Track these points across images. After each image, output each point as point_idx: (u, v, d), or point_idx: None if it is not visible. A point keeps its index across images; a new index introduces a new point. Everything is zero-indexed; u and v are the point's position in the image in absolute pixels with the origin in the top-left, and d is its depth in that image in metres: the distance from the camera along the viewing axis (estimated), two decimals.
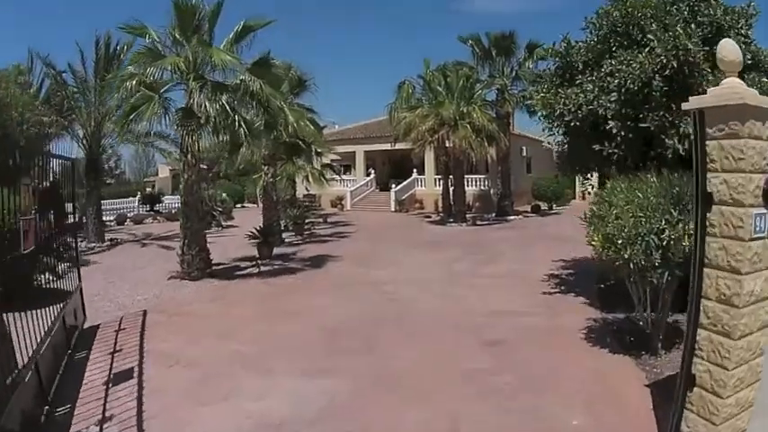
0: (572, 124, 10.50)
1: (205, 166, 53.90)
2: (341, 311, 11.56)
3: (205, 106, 14.35)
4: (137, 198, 38.64)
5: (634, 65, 9.81)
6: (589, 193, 16.43)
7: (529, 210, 35.31)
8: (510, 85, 31.43)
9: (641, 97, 10.02)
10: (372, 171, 41.43)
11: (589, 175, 12.76)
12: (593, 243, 7.80)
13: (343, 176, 42.36)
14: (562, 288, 13.36)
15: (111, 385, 7.73)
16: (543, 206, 36.44)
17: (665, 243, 6.98)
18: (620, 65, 10.00)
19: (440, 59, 30.78)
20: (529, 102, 11.15)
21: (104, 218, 35.20)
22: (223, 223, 30.33)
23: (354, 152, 41.31)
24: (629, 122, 10.03)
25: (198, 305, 12.83)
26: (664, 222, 7.05)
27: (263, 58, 16.21)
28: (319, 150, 27.74)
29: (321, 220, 31.29)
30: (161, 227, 31.55)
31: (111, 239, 25.53)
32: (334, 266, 17.28)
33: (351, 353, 9.00)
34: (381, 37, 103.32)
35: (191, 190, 16.04)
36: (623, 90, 9.98)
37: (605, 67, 10.46)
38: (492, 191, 36.49)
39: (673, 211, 7.07)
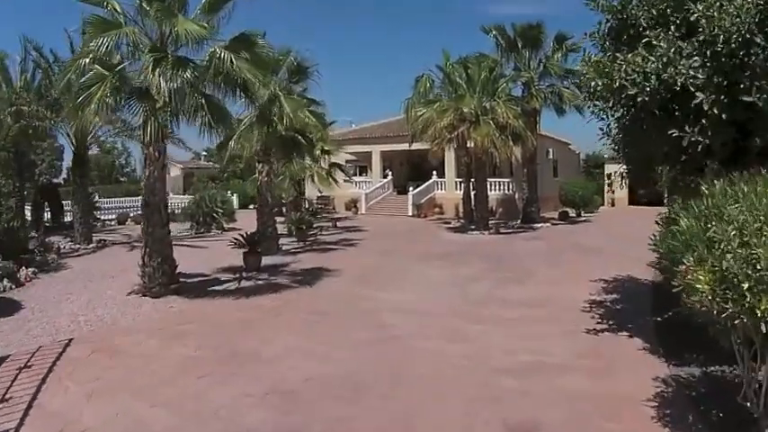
0: (638, 100, 7.18)
1: (211, 164, 51.61)
2: (311, 365, 8.24)
3: (159, 85, 11.32)
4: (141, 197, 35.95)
5: (725, 18, 6.56)
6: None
7: (556, 216, 31.80)
8: (537, 81, 28.03)
9: (736, 61, 6.75)
10: (389, 173, 38.14)
11: (657, 171, 9.24)
12: (694, 286, 4.44)
13: (358, 178, 39.24)
14: (610, 323, 10.05)
15: None
16: (571, 213, 32.92)
17: None
18: (707, 11, 6.72)
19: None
20: (578, 69, 7.46)
21: (105, 217, 33.12)
22: (225, 225, 27.47)
23: (371, 152, 38.07)
24: (722, 96, 6.73)
25: (136, 336, 9.85)
26: None
27: (245, 33, 13.14)
28: (326, 148, 24.68)
29: (330, 224, 28.21)
30: None
31: (99, 241, 23.11)
32: (329, 284, 14.12)
33: None
34: (408, 33, 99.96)
35: (152, 188, 13.11)
36: (711, 51, 6.72)
37: (682, 21, 7.22)
38: (517, 195, 33.09)
39: None
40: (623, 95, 7.35)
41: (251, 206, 41.07)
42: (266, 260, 17.56)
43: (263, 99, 18.38)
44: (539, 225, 27.88)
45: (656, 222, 8.14)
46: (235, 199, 37.87)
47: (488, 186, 27.25)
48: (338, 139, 39.26)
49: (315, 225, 27.65)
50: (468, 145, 24.86)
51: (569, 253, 19.18)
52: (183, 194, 41.08)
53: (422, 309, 11.33)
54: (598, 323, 10.08)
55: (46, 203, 28.31)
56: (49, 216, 28.43)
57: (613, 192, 43.95)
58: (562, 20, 54.92)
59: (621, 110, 8.00)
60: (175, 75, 11.53)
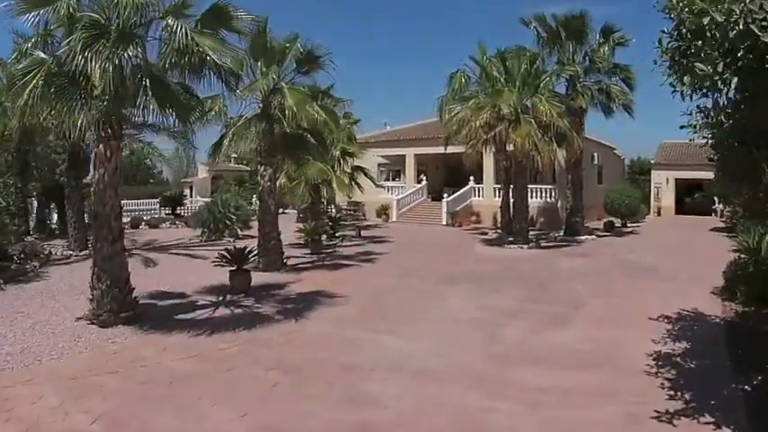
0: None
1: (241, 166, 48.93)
2: None
3: (90, 68, 8.52)
4: (158, 200, 33.80)
5: None
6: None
7: (601, 227, 27.93)
8: (582, 77, 24.44)
9: None
10: (424, 178, 34.86)
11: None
12: None
13: (390, 183, 36.13)
14: (686, 397, 6.77)
15: None
16: (616, 222, 29.08)
17: None
18: None
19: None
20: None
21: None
22: (239, 233, 24.84)
23: (404, 155, 34.89)
24: None
25: (40, 387, 7.27)
26: None
27: (218, 3, 10.28)
28: (349, 149, 21.70)
29: (354, 233, 25.21)
30: (174, 233, 26.76)
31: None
32: (321, 318, 10.96)
33: None
34: (445, 39, 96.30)
35: (102, 197, 10.34)
36: None
37: None
38: (559, 204, 29.50)
39: None
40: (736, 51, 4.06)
41: (281, 210, 38.66)
42: (264, 278, 14.77)
43: (265, 91, 15.61)
44: (583, 237, 24.25)
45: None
46: (243, 203, 35.28)
47: (529, 194, 23.80)
48: (370, 141, 36.40)
49: (338, 234, 24.83)
50: (506, 147, 21.59)
51: (620, 275, 15.76)
52: (210, 197, 38.80)
53: (429, 368, 8.06)
54: (670, 397, 6.84)
55: (53, 205, 26.31)
56: (56, 218, 26.39)
57: (660, 200, 39.89)
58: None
59: (735, 76, 4.66)
60: (115, 54, 8.71)
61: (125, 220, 30.81)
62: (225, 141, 15.52)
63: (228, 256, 13.26)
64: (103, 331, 9.87)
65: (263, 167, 16.39)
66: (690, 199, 40.91)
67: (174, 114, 9.55)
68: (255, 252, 13.85)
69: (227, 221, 24.41)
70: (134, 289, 10.92)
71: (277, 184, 20.53)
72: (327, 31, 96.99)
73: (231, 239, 23.62)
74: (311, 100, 15.55)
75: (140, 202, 34.12)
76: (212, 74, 10.33)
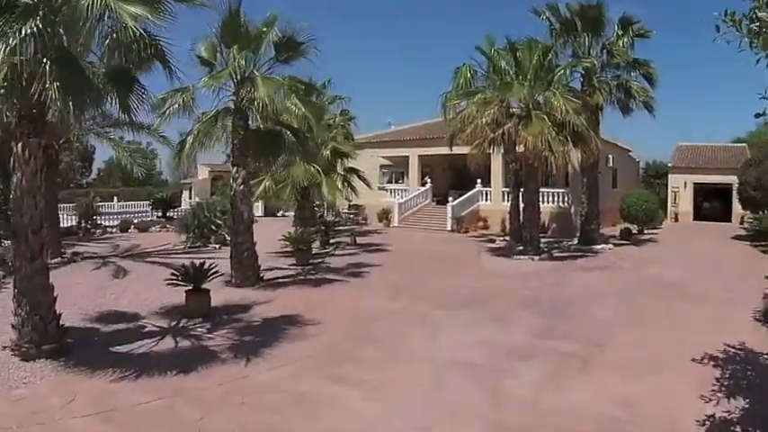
0: None
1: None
2: None
3: None
4: (149, 203, 31.69)
5: None
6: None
7: (616, 234, 25.37)
8: (599, 71, 22.00)
9: None
10: (428, 180, 32.41)
11: None
12: None
13: (393, 185, 33.78)
14: None
15: None
16: (633, 229, 26.51)
17: None
18: None
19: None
20: None
21: (108, 223, 28.88)
22: (227, 239, 22.65)
23: (408, 156, 32.49)
24: None
25: None
26: None
27: None
28: (342, 149, 19.38)
29: (350, 240, 22.90)
30: (162, 237, 24.64)
31: (70, 254, 18.75)
32: (278, 359, 8.59)
33: None
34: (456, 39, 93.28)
35: (19, 205, 8.17)
36: None
37: None
38: (572, 209, 27.05)
39: None
40: None
41: (278, 214, 36.36)
42: (234, 295, 12.64)
43: (236, 81, 13.38)
44: (599, 247, 21.77)
45: None
46: (260, 206, 33.02)
47: (540, 198, 21.34)
48: (372, 141, 34.07)
49: (332, 241, 22.57)
50: (516, 147, 19.22)
51: (645, 295, 13.43)
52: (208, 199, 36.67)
53: None
54: None
55: None
56: None
57: (677, 205, 37.17)
58: None
59: None
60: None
61: (114, 222, 29.02)
62: (189, 139, 13.29)
63: (182, 275, 11.01)
64: (23, 366, 8.01)
65: (235, 169, 14.13)
66: (708, 204, 38.29)
67: (61, 98, 7.18)
68: (214, 270, 11.52)
69: (213, 227, 22.24)
70: (60, 315, 8.76)
71: (261, 187, 18.42)
72: (345, 26, 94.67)
73: (217, 246, 21.44)
74: (290, 92, 13.27)
75: (128, 204, 31.97)
76: (147, 54, 8.12)
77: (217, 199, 24.30)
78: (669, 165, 39.06)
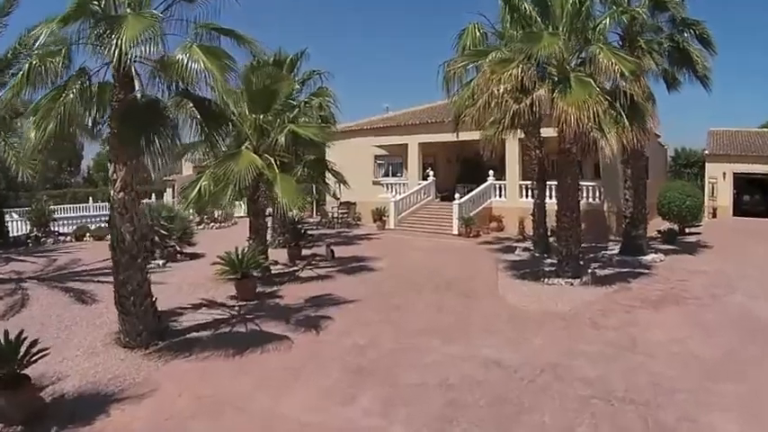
0: None
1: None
2: None
3: None
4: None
5: None
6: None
7: (656, 235, 19.50)
8: (641, 31, 16.00)
9: None
10: (431, 172, 26.47)
11: None
12: None
13: (388, 179, 27.92)
14: None
15: None
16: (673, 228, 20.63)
17: None
18: None
19: None
20: None
21: (62, 229, 23.67)
22: (179, 251, 17.20)
23: (407, 145, 26.61)
24: None
25: None
26: None
27: None
28: (301, 133, 13.39)
29: (326, 253, 17.06)
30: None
31: None
32: None
33: None
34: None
35: None
36: None
37: None
38: (605, 206, 21.26)
39: None
40: None
41: (267, 213, 30.70)
42: (101, 374, 7.17)
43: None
44: (649, 258, 15.87)
45: None
46: (242, 206, 27.32)
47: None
48: (364, 127, 28.28)
49: (303, 254, 16.96)
50: (540, 127, 13.30)
51: (759, 363, 7.68)
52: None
53: None
54: None
55: None
56: None
57: (716, 199, 30.81)
58: None
59: None
60: None
61: (68, 230, 23.72)
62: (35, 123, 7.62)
63: None
64: None
65: (111, 167, 8.48)
66: (748, 197, 32.09)
67: None
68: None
69: (157, 237, 16.73)
70: None
71: (197, 188, 12.90)
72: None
73: (162, 263, 16.00)
74: (215, 57, 7.54)
75: (98, 206, 26.66)
76: None
77: (161, 202, 18.58)
78: (705, 152, 32.86)
